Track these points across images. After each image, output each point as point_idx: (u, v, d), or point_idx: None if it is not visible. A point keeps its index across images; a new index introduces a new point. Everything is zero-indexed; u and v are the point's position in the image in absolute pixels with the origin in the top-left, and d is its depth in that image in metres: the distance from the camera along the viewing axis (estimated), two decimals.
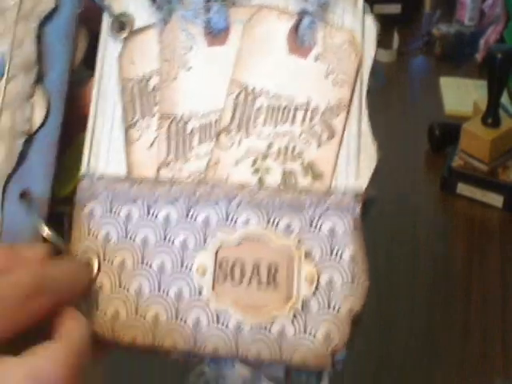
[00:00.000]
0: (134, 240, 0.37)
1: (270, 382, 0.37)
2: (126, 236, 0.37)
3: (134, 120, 0.39)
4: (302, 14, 0.38)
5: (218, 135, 0.38)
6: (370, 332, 0.68)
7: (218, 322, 0.35)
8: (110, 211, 0.38)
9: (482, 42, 1.12)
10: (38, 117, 0.39)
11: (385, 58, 1.15)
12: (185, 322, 0.35)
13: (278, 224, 0.35)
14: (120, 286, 0.37)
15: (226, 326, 0.35)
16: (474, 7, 1.18)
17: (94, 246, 0.38)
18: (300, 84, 0.37)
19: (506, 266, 0.76)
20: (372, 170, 0.36)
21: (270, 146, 0.37)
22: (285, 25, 0.38)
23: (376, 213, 0.83)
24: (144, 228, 0.37)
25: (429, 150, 0.94)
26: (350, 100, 0.37)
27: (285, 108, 0.37)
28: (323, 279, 0.34)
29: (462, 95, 1.04)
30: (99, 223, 0.38)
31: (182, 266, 0.36)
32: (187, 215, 0.37)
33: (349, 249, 0.35)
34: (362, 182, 0.36)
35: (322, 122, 0.36)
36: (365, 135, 0.37)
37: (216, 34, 0.39)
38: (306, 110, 0.36)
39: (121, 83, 0.40)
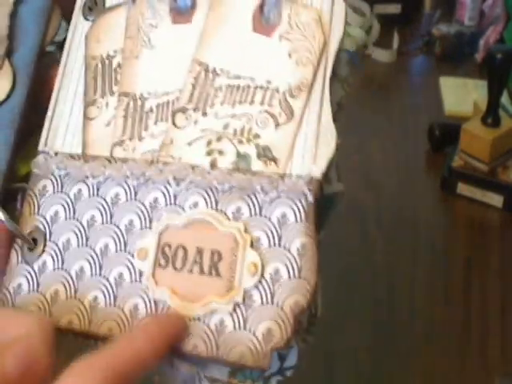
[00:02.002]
0: (80, 220, 0.36)
1: None
2: (74, 216, 0.36)
3: (95, 98, 0.39)
4: None
5: (174, 114, 0.36)
6: (369, 332, 0.68)
7: (156, 311, 0.33)
8: (61, 189, 0.37)
9: (481, 42, 1.12)
10: (2, 91, 0.39)
11: (385, 58, 1.15)
12: (122, 309, 0.34)
13: (226, 208, 0.33)
14: (62, 268, 0.36)
15: None
16: (474, 7, 1.17)
17: (42, 226, 0.37)
18: (262, 63, 0.35)
19: (506, 265, 0.76)
20: (329, 158, 0.33)
21: (225, 127, 0.35)
22: (251, 2, 0.36)
23: (376, 213, 0.83)
24: (92, 208, 0.36)
25: (429, 150, 0.94)
26: (313, 81, 0.34)
27: (244, 88, 0.35)
28: (268, 271, 0.32)
29: (461, 95, 1.03)
30: (49, 201, 0.37)
31: (125, 249, 0.35)
32: (135, 196, 0.35)
33: (298, 240, 0.32)
34: (319, 169, 0.33)
35: (281, 102, 0.34)
36: (324, 120, 0.34)
37: (182, 12, 0.38)
38: (266, 90, 0.35)
39: (86, 61, 0.40)
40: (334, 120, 0.35)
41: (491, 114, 0.84)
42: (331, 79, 0.35)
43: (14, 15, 0.40)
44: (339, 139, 0.33)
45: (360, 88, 1.07)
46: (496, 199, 0.83)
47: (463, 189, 0.85)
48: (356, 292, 0.72)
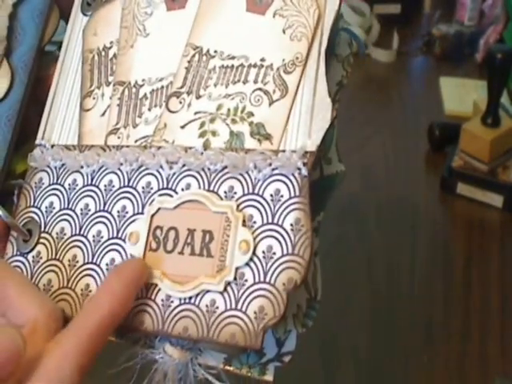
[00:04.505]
0: (74, 209, 0.36)
1: (206, 372, 0.33)
2: (68, 205, 0.37)
3: (91, 89, 0.39)
4: None
5: (168, 99, 0.36)
6: (369, 332, 0.68)
7: (146, 295, 0.33)
8: (57, 180, 0.38)
9: (481, 42, 1.12)
10: (0, 90, 0.40)
11: (385, 58, 1.15)
12: None
13: (219, 188, 0.33)
14: (55, 257, 0.36)
15: (154, 300, 0.32)
16: (473, 7, 1.17)
17: (37, 217, 0.37)
18: (256, 42, 0.35)
19: (505, 265, 0.76)
20: (325, 131, 0.32)
21: (219, 108, 0.35)
22: None
23: (375, 213, 0.83)
24: (86, 197, 0.36)
25: (429, 150, 0.93)
26: (307, 55, 0.34)
27: (238, 67, 0.35)
28: (260, 248, 0.31)
29: (462, 95, 1.03)
30: (45, 193, 0.38)
31: (117, 235, 0.35)
32: (129, 182, 0.35)
33: (292, 214, 0.31)
34: (313, 143, 0.32)
35: (275, 79, 0.34)
36: (320, 94, 0.33)
37: None
38: (260, 68, 0.34)
39: (83, 55, 0.40)
40: (335, 100, 0.35)
41: (491, 114, 0.84)
42: (331, 58, 0.34)
43: (13, 16, 0.41)
44: (335, 113, 0.33)
45: (360, 88, 1.07)
46: (496, 199, 0.83)
47: (463, 189, 0.85)
48: (355, 292, 0.72)
